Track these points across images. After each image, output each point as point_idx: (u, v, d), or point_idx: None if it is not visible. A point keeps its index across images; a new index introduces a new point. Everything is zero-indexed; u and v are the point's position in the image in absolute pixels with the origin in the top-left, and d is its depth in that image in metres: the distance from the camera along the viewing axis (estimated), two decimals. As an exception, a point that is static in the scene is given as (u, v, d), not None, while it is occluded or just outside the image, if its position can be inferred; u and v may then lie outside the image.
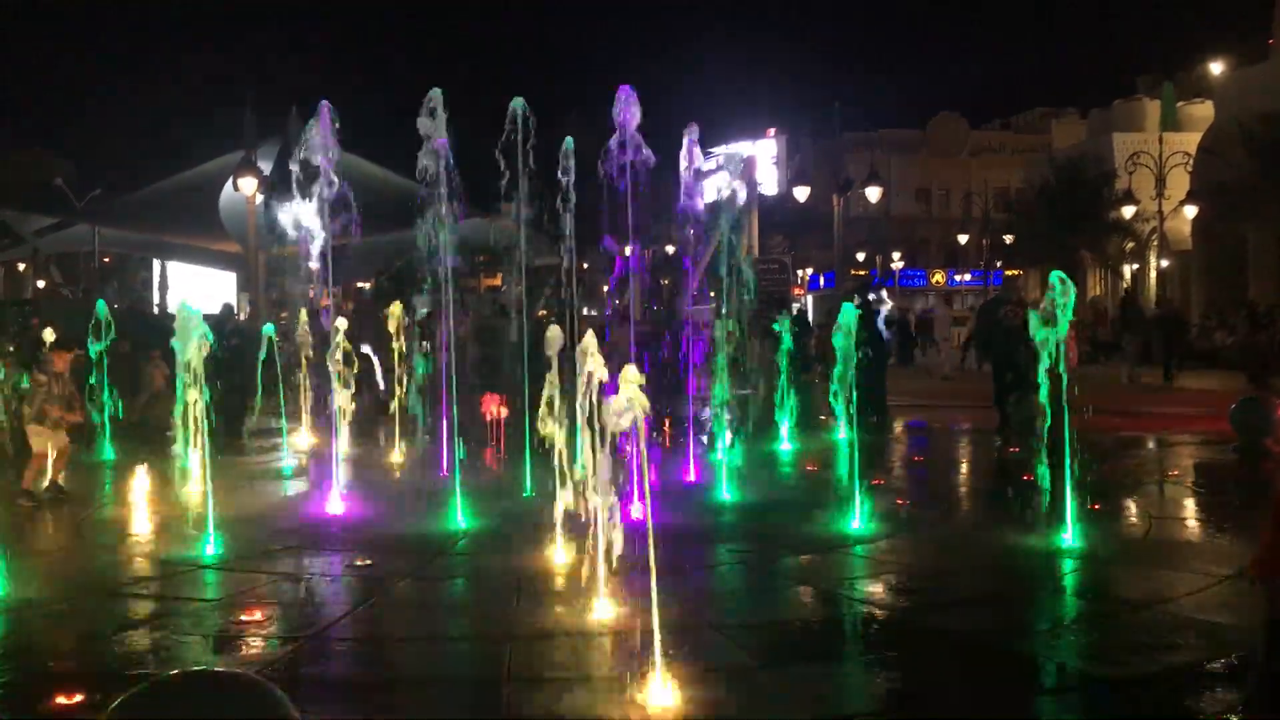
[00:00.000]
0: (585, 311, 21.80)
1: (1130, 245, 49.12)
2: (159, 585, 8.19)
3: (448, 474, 11.09)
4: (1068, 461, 8.73)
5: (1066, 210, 47.73)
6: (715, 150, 41.77)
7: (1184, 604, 7.30)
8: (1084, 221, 47.46)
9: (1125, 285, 50.44)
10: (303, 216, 10.79)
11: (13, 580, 7.71)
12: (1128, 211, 43.19)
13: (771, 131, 64.94)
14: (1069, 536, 8.75)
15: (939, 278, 68.70)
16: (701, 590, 8.08)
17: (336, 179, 10.55)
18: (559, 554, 8.30)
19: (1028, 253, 52.73)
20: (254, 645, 6.76)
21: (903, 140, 70.47)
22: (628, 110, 11.15)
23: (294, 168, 10.49)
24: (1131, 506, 11.10)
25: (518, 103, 11.18)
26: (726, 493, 11.19)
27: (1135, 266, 51.62)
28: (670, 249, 29.35)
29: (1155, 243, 47.02)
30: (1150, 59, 57.76)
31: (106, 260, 43.39)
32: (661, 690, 5.51)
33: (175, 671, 1.47)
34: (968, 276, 65.20)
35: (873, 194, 37.79)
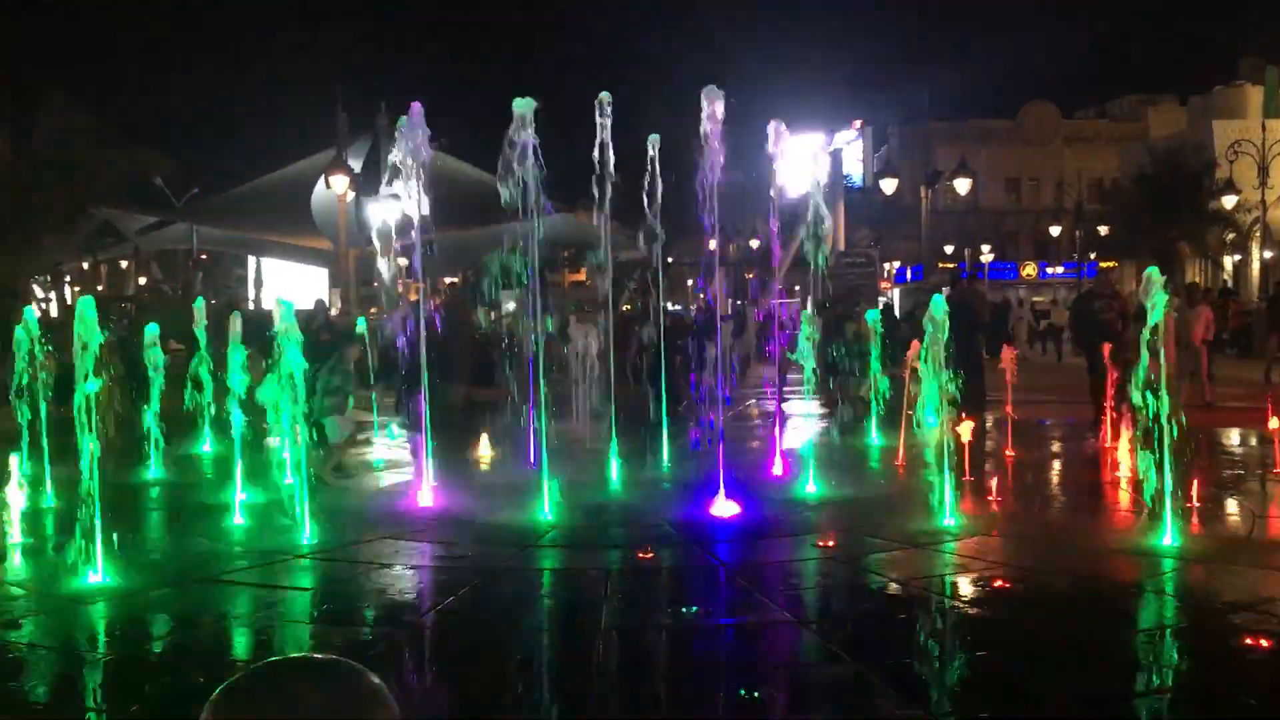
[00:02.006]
0: (670, 306, 21.78)
1: (1231, 236, 47.63)
2: (257, 573, 8.40)
3: (535, 467, 11.20)
4: (1167, 458, 8.50)
5: (1164, 200, 46.46)
6: (798, 139, 41.38)
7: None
8: (1182, 212, 46.15)
9: (1225, 277, 48.94)
10: (392, 216, 11.00)
11: (116, 568, 7.97)
12: (1229, 201, 41.84)
13: (858, 123, 64.15)
14: (1167, 535, 8.52)
15: (1030, 270, 67.28)
16: (788, 584, 8.04)
17: (425, 183, 10.70)
18: (647, 547, 8.33)
19: (1123, 244, 51.43)
20: (349, 632, 6.90)
21: (992, 129, 69.04)
22: (713, 108, 11.13)
23: (389, 182, 10.68)
24: (1233, 505, 10.76)
25: (604, 96, 11.22)
26: (813, 487, 11.12)
27: (1237, 258, 50.05)
28: (755, 243, 29.13)
29: (1258, 234, 45.52)
30: (1253, 42, 55.80)
31: (204, 257, 44.59)
32: (747, 683, 5.49)
33: (276, 658, 1.51)
34: (1060, 269, 63.74)
35: (961, 186, 37.14)
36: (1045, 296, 57.25)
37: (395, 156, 10.66)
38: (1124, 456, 11.59)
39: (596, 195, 11.55)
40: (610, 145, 11.37)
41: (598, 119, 11.35)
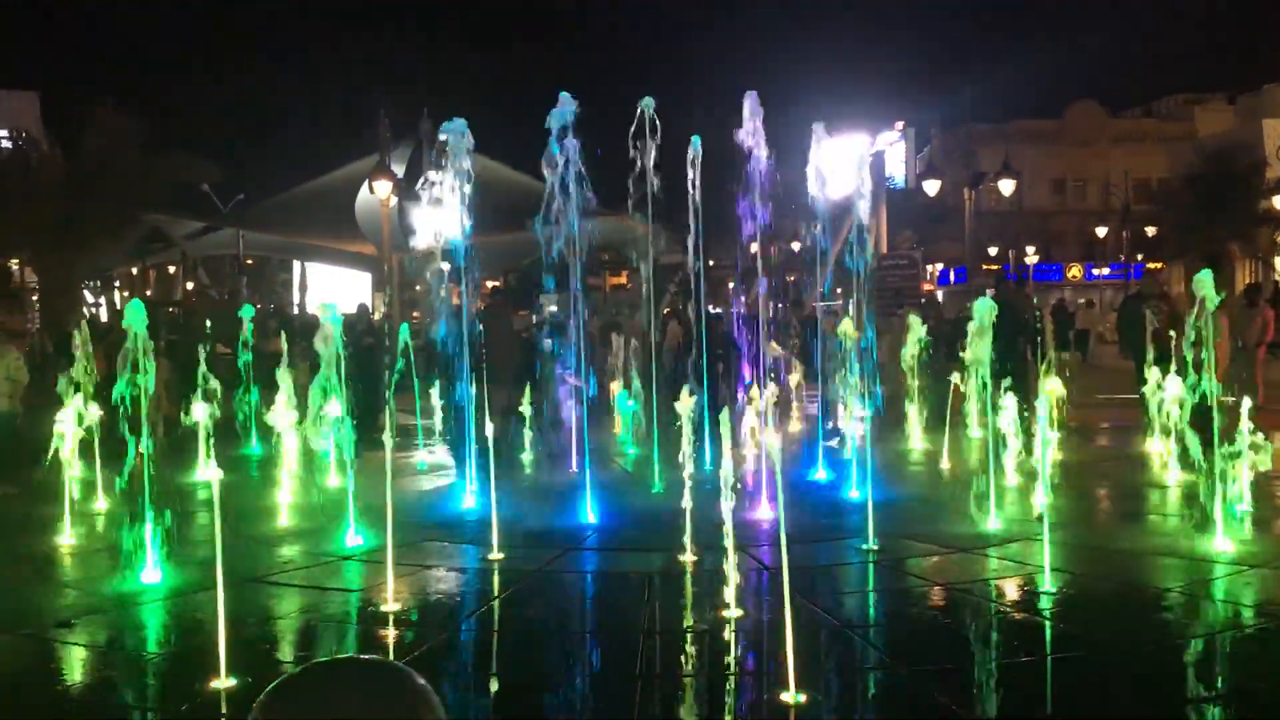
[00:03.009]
0: (711, 309, 21.75)
1: (1283, 237, 46.87)
2: (305, 574, 8.48)
3: (577, 470, 11.23)
4: (1217, 462, 8.38)
5: (1213, 201, 45.78)
6: (840, 140, 41.16)
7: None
8: (1232, 212, 45.46)
9: (1276, 278, 48.13)
10: (434, 220, 11.08)
11: (169, 568, 8.08)
12: (1279, 201, 41.15)
13: (899, 124, 63.76)
14: (1217, 540, 8.39)
15: (1075, 272, 66.49)
16: (833, 588, 8.00)
17: (468, 187, 10.78)
18: (689, 550, 8.32)
19: (1171, 245, 50.73)
20: (395, 634, 6.95)
21: (1037, 130, 68.31)
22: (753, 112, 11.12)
23: (430, 178, 10.76)
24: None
25: (646, 102, 11.23)
26: (856, 491, 11.05)
27: (1288, 259, 49.21)
28: (796, 245, 29.05)
29: (1310, 234, 44.72)
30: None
31: (249, 262, 45.08)
32: (794, 688, 5.47)
33: (323, 659, 1.52)
34: (1106, 271, 62.95)
35: (1006, 186, 36.74)
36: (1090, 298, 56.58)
37: (438, 176, 10.73)
38: (1174, 459, 11.45)
39: (631, 204, 11.59)
40: (650, 152, 11.37)
41: (642, 123, 11.35)
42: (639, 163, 11.44)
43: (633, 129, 11.37)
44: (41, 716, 5.78)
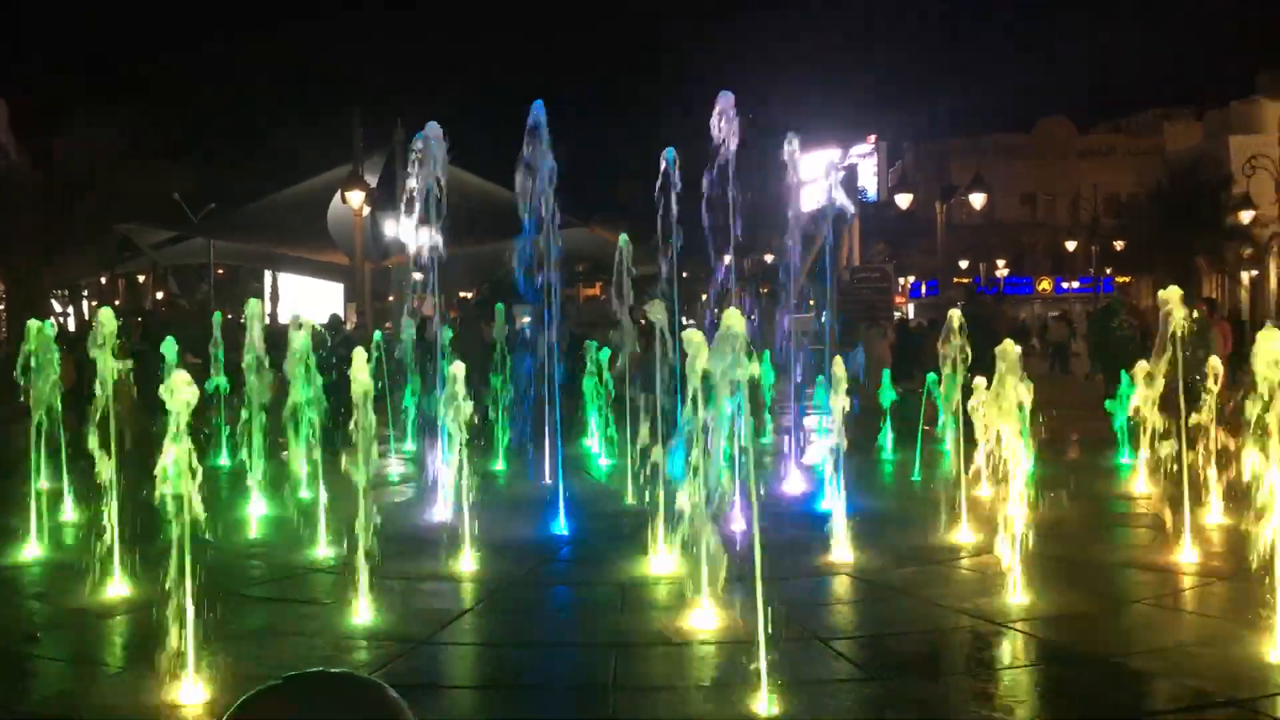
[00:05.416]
0: (686, 321, 21.77)
1: (1249, 251, 47.41)
2: (275, 587, 8.41)
3: (550, 481, 11.21)
4: (1184, 474, 8.47)
5: (1181, 216, 46.30)
6: (814, 155, 41.35)
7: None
8: (1199, 227, 45.99)
9: (1243, 292, 48.75)
10: (406, 231, 11.06)
11: (137, 581, 7.99)
12: (1245, 216, 41.61)
13: (872, 138, 64.19)
14: (1182, 551, 8.47)
15: (1045, 285, 67.08)
16: (804, 601, 8.00)
17: (441, 198, 10.77)
18: (661, 562, 8.32)
19: (1139, 260, 51.27)
20: (367, 647, 6.90)
21: (1007, 144, 68.93)
22: (726, 118, 11.16)
23: (405, 195, 10.76)
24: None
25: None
26: (827, 503, 11.06)
27: (1254, 273, 49.84)
28: (769, 257, 29.16)
29: (1276, 249, 45.26)
30: (1270, 57, 55.29)
31: (220, 272, 44.72)
32: (766, 701, 5.48)
33: (292, 673, 1.51)
34: (1076, 284, 63.55)
35: (976, 200, 37.00)
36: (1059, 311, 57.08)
37: (413, 182, 10.72)
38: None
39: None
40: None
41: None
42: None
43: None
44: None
